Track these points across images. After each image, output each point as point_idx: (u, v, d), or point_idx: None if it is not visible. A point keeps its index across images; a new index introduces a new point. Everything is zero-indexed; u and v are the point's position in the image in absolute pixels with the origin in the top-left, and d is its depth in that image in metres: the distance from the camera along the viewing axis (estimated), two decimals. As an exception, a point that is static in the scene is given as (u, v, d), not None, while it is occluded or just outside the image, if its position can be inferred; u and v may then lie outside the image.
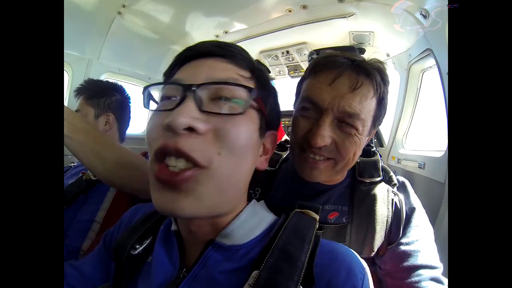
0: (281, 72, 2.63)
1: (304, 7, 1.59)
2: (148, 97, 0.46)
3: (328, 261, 0.41)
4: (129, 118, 1.23)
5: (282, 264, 0.39)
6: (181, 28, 1.89)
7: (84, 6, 1.50)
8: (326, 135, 0.59)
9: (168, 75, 0.49)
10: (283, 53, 2.26)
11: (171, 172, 0.38)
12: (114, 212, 0.88)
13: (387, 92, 0.65)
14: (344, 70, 0.61)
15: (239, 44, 2.14)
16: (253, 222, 0.48)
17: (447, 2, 1.09)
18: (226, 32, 1.94)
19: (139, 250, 0.51)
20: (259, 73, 0.48)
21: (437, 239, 0.65)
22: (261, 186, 0.77)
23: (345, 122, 0.60)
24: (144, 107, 0.46)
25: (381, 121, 0.68)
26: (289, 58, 2.32)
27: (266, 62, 2.46)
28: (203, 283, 0.43)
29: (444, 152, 1.38)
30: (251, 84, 0.46)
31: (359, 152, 0.65)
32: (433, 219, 1.25)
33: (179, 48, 2.11)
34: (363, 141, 0.63)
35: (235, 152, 0.41)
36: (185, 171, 0.38)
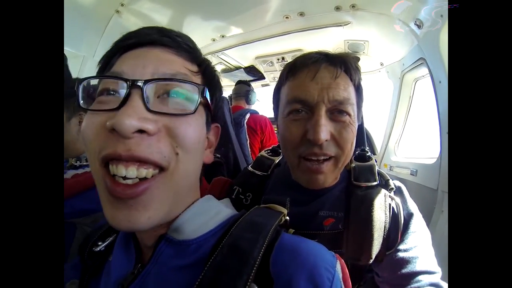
0: (275, 78, 2.64)
1: (301, 14, 1.62)
2: (84, 92, 0.41)
3: (288, 260, 0.38)
4: None
5: (230, 262, 0.36)
6: (177, 30, 1.87)
7: (82, 2, 1.49)
8: (326, 128, 0.59)
9: (105, 64, 0.44)
10: (278, 59, 2.28)
11: (124, 186, 0.35)
12: (90, 174, 0.85)
13: (360, 78, 0.66)
14: (321, 64, 0.62)
15: (235, 49, 2.15)
16: (205, 216, 0.45)
17: (440, 13, 1.13)
18: (222, 36, 1.94)
19: (101, 247, 0.50)
20: (206, 67, 0.47)
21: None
22: (253, 192, 0.75)
23: (338, 110, 0.60)
24: (78, 105, 0.40)
25: (361, 108, 0.69)
26: (284, 65, 2.32)
27: (261, 68, 2.48)
28: (154, 280, 0.41)
29: (436, 159, 1.40)
30: (198, 79, 0.44)
31: (354, 143, 0.64)
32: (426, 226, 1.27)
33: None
34: (355, 128, 0.63)
35: (190, 151, 0.40)
36: (142, 182, 0.36)
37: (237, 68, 2.54)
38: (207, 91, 0.43)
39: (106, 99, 0.38)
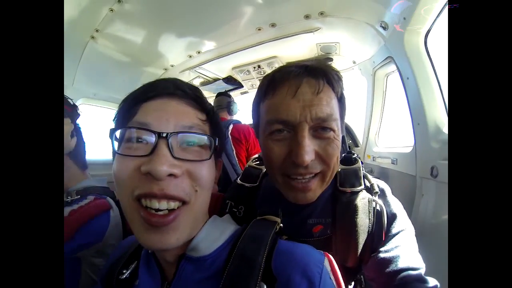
0: (254, 85, 2.73)
1: (273, 25, 1.69)
2: (118, 139, 0.50)
3: (285, 262, 0.47)
4: (84, 144, 1.10)
5: (242, 269, 0.45)
6: (155, 50, 1.92)
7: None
8: (310, 149, 0.57)
9: (126, 111, 0.51)
10: (254, 67, 2.33)
11: (160, 216, 0.44)
12: (84, 208, 0.89)
13: (343, 88, 0.64)
14: (302, 78, 0.60)
15: (212, 62, 2.18)
16: (214, 234, 0.54)
17: (403, 16, 1.21)
18: (198, 52, 1.99)
19: (126, 274, 0.57)
20: (212, 114, 0.56)
21: (414, 228, 0.69)
22: (244, 204, 0.78)
23: (322, 127, 0.58)
24: (115, 152, 0.48)
25: (344, 118, 0.67)
26: (260, 72, 2.40)
27: (239, 77, 2.53)
28: None
29: (411, 147, 1.49)
30: (207, 127, 0.53)
31: (339, 156, 0.63)
32: (409, 210, 1.35)
33: (153, 70, 2.13)
34: (340, 142, 0.62)
35: (205, 187, 0.50)
36: (171, 213, 0.45)
37: (216, 79, 2.58)
38: (217, 139, 0.52)
39: (136, 146, 0.47)
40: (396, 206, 0.69)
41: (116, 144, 0.49)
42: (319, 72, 0.60)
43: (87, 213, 0.87)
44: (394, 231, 0.65)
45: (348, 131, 2.78)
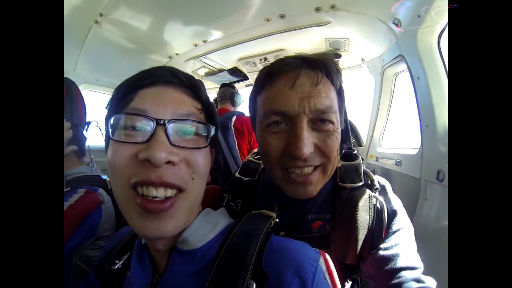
0: (259, 78, 2.67)
1: (282, 16, 1.64)
2: (113, 126, 0.47)
3: (277, 258, 0.45)
4: (84, 138, 1.09)
5: (231, 264, 0.44)
6: (159, 38, 1.88)
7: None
8: (309, 141, 0.56)
9: (121, 98, 0.49)
10: (261, 60, 2.29)
11: (157, 202, 0.43)
12: (76, 208, 0.85)
13: (342, 81, 0.64)
14: (300, 70, 0.59)
15: (217, 52, 2.15)
16: (206, 227, 0.53)
17: (417, 13, 1.17)
18: (204, 41, 1.95)
19: (118, 265, 0.57)
20: (207, 103, 0.55)
21: (416, 232, 0.68)
22: (242, 198, 0.76)
23: (321, 119, 0.58)
24: (110, 138, 0.47)
25: (344, 110, 0.66)
26: (267, 65, 2.34)
27: (245, 69, 2.49)
28: (172, 287, 0.49)
29: (418, 149, 1.46)
30: (203, 116, 0.53)
31: (339, 149, 0.62)
32: (411, 214, 1.32)
33: (157, 58, 2.10)
34: (339, 134, 0.62)
35: (202, 175, 0.50)
36: (168, 199, 0.44)
37: (221, 70, 2.54)
38: (213, 129, 0.51)
39: (133, 133, 0.45)
40: (397, 203, 0.69)
41: (110, 131, 0.47)
42: (317, 64, 0.60)
43: (78, 215, 0.85)
44: (394, 228, 0.64)
45: (352, 130, 2.74)
